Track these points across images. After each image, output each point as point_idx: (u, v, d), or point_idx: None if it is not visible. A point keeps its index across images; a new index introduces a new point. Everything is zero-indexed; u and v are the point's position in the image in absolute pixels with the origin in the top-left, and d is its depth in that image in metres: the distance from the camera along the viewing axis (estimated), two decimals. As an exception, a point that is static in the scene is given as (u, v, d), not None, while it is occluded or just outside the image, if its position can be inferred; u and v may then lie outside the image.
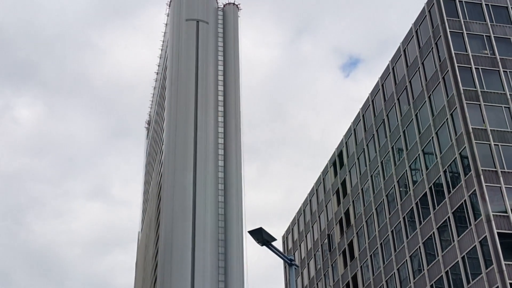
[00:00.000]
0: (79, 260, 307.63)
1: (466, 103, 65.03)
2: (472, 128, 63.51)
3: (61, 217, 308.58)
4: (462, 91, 65.65)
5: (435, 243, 66.87)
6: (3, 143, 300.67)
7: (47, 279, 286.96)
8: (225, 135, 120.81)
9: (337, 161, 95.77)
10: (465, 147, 63.24)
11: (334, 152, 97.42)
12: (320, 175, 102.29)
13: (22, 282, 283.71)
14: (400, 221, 74.62)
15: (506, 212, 59.76)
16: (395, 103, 78.82)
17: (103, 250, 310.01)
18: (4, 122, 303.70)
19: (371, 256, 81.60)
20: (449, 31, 69.80)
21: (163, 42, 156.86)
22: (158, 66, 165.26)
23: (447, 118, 66.95)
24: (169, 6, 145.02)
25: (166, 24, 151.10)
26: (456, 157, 64.76)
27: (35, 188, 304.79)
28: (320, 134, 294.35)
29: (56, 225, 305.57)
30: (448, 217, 64.92)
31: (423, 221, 69.66)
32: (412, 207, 72.15)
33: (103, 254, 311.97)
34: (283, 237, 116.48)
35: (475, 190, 61.04)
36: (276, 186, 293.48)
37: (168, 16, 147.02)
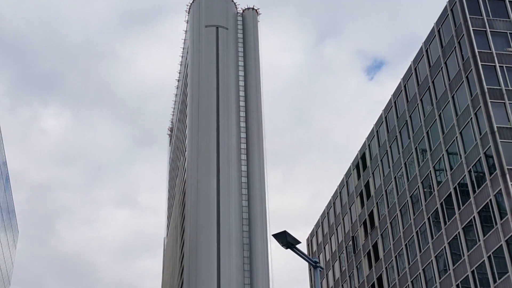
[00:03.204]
0: (107, 266, 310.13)
1: (490, 101, 64.43)
2: (497, 127, 62.95)
3: (89, 225, 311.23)
4: (486, 90, 65.04)
5: (461, 243, 66.39)
6: (32, 153, 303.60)
7: (77, 286, 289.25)
8: (247, 140, 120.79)
9: (360, 164, 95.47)
10: (490, 146, 62.71)
11: (357, 154, 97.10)
12: (343, 178, 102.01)
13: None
14: (425, 222, 74.18)
15: (532, 210, 59.10)
16: (418, 104, 78.34)
17: (131, 256, 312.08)
18: (32, 132, 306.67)
19: (396, 257, 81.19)
20: (472, 30, 69.00)
21: (183, 49, 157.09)
22: (179, 73, 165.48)
23: (471, 118, 66.39)
24: (188, 13, 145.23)
25: (186, 31, 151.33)
26: (480, 157, 64.26)
27: (64, 196, 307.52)
28: (345, 138, 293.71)
29: (85, 233, 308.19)
30: (474, 217, 64.42)
31: (448, 221, 69.18)
32: (437, 207, 71.68)
33: (131, 260, 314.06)
34: (308, 240, 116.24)
35: (500, 189, 60.52)
36: (300, 190, 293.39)
37: (187, 23, 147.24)
